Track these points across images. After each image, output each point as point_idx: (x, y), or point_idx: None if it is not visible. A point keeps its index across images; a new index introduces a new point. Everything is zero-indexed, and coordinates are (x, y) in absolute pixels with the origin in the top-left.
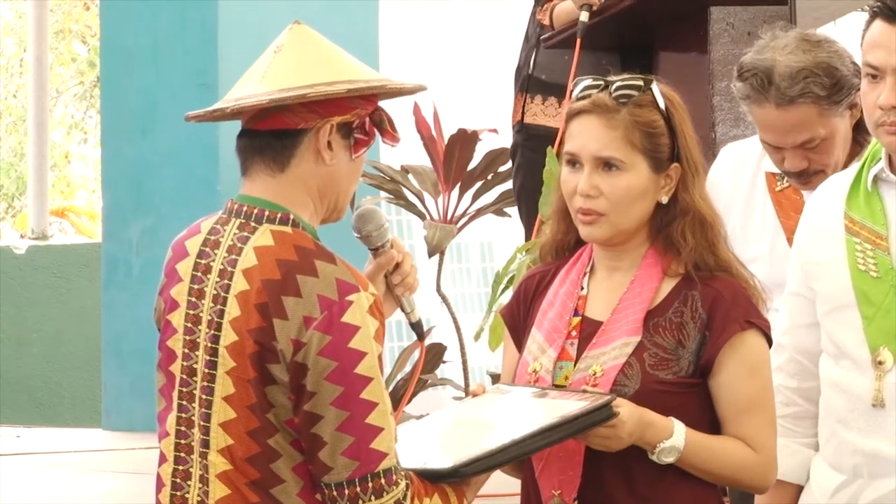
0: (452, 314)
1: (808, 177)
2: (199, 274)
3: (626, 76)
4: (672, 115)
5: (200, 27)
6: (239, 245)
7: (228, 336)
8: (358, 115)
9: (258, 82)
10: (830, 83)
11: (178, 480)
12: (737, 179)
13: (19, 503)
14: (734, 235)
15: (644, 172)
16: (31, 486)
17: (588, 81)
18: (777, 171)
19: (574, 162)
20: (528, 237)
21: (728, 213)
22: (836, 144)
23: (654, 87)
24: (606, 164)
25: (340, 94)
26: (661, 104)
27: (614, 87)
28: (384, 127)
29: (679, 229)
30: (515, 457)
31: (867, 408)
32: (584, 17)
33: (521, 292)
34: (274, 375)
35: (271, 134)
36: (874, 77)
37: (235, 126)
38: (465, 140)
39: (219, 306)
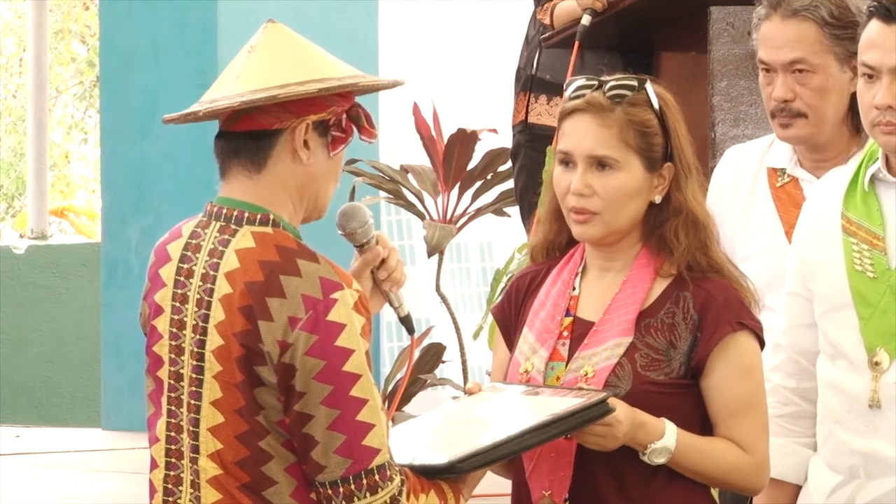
0: (452, 314)
1: (791, 116)
2: (182, 278)
3: (619, 76)
4: (666, 114)
5: (200, 27)
6: (220, 248)
7: (214, 340)
8: (334, 112)
9: (232, 84)
10: (839, 15)
11: (169, 486)
12: (739, 178)
13: (19, 503)
14: (734, 234)
15: (638, 172)
16: (31, 486)
17: (581, 81)
18: (778, 166)
19: (567, 161)
20: (529, 237)
21: (730, 211)
22: (827, 91)
23: (648, 86)
24: (600, 163)
25: (311, 94)
26: (655, 103)
27: (608, 86)
28: (361, 123)
29: (672, 229)
30: (512, 453)
31: (864, 408)
32: (585, 20)
33: (513, 292)
34: (262, 377)
35: (247, 135)
36: (870, 77)
37: None
38: (465, 140)
39: (203, 310)
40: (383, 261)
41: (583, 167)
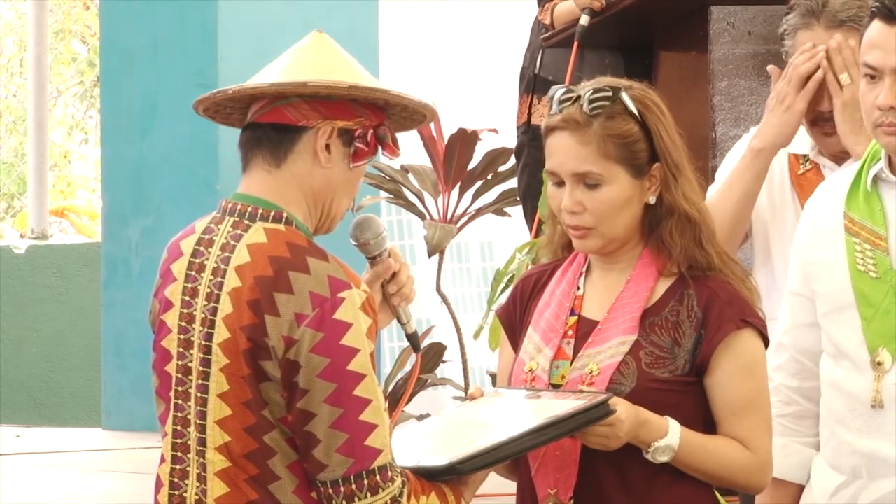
0: (452, 314)
1: (833, 124)
2: (193, 273)
3: (595, 85)
4: (646, 118)
5: (200, 27)
6: (232, 243)
7: (221, 333)
8: (361, 124)
9: (270, 74)
10: None
11: (175, 480)
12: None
13: (19, 503)
14: (765, 231)
15: (624, 182)
16: (31, 485)
17: (560, 93)
18: (799, 152)
19: (556, 179)
20: (531, 237)
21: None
22: None
23: (624, 94)
24: (586, 180)
25: (341, 90)
26: (634, 110)
27: (584, 100)
28: (386, 142)
29: (667, 229)
30: (513, 454)
31: (866, 408)
32: (583, 20)
33: (518, 292)
34: (267, 372)
35: (272, 127)
36: (872, 77)
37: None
38: (465, 140)
39: (212, 304)
40: (394, 275)
41: (570, 185)
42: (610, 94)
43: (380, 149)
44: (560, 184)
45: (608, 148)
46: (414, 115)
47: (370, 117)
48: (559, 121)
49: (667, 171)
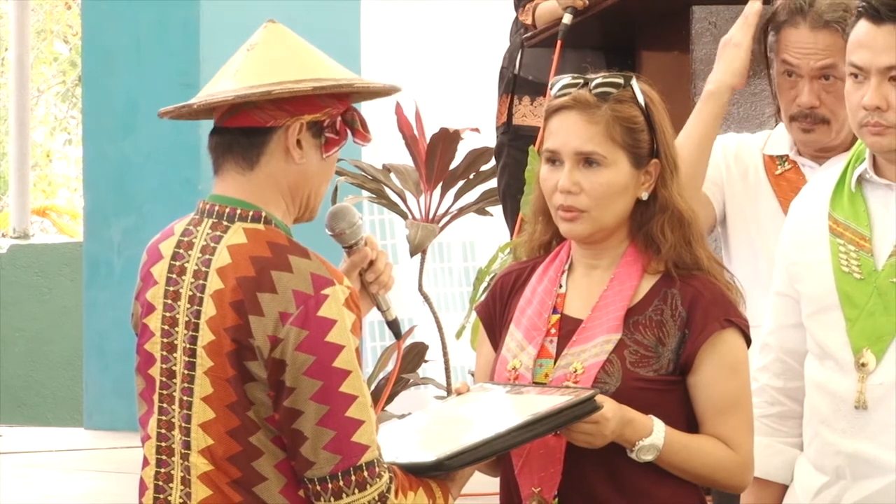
0: (434, 313)
1: (815, 122)
2: (174, 276)
3: (605, 73)
4: (651, 111)
5: (182, 27)
6: (212, 245)
7: (206, 336)
8: (329, 114)
9: (229, 80)
10: None
11: (160, 483)
12: (734, 166)
13: (2, 502)
14: (748, 235)
15: (625, 168)
16: (13, 485)
17: (567, 80)
18: (775, 153)
19: (554, 159)
20: (512, 236)
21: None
22: None
23: (634, 83)
24: (587, 160)
25: (306, 92)
26: (641, 100)
27: (594, 83)
28: (356, 127)
29: (658, 226)
30: (500, 450)
31: (850, 409)
32: (566, 19)
33: (498, 289)
34: (252, 373)
35: (241, 131)
36: (857, 77)
37: None
38: (447, 139)
39: (195, 307)
40: (371, 263)
41: (570, 164)
42: (621, 80)
43: (350, 134)
44: (557, 164)
45: (615, 131)
46: (380, 91)
47: (336, 106)
48: (567, 101)
49: (665, 166)
